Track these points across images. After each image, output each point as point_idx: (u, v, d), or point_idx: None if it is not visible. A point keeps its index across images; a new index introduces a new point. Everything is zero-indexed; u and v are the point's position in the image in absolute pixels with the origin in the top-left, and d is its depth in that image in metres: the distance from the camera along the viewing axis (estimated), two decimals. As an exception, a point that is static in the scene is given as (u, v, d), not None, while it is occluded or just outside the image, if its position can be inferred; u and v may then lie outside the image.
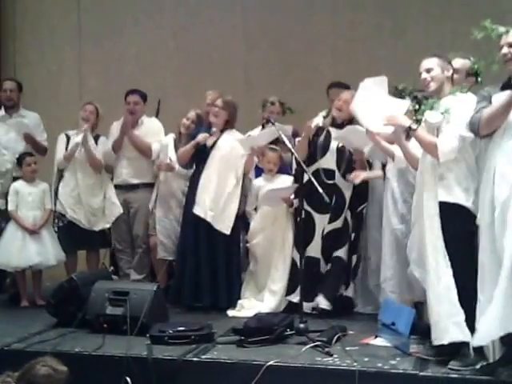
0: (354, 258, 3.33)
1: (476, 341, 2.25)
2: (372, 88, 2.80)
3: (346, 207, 3.27)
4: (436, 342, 2.41)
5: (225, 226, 3.38)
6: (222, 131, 3.51)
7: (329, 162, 3.27)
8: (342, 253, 3.27)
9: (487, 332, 2.18)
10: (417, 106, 2.48)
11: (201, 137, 3.47)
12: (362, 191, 3.31)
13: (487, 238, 2.25)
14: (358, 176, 3.19)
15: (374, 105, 2.71)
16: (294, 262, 3.28)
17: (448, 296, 2.36)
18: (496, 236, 2.21)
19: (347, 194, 3.27)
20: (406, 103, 2.73)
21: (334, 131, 3.30)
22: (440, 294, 2.38)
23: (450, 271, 2.36)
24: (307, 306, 3.13)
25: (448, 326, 2.35)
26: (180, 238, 3.54)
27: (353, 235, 3.31)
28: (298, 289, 3.06)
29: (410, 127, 2.48)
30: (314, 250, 3.27)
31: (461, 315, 2.33)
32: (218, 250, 3.41)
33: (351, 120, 3.23)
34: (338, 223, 3.26)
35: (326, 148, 3.29)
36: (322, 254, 3.27)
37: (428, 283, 2.43)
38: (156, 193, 3.75)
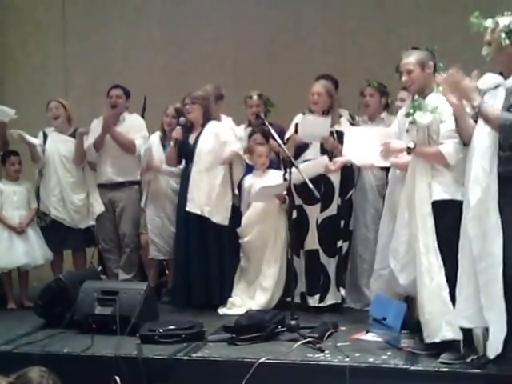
0: (345, 245, 3.30)
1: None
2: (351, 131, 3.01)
3: (336, 193, 3.26)
4: (428, 340, 2.43)
5: (222, 217, 3.38)
6: (202, 125, 3.49)
7: (314, 152, 3.26)
8: (341, 242, 3.28)
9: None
10: (411, 111, 2.47)
11: (175, 133, 3.46)
12: (348, 176, 3.30)
13: (466, 238, 2.26)
14: (336, 162, 3.17)
15: (362, 141, 2.84)
16: (289, 263, 3.24)
17: (441, 295, 2.38)
18: (471, 238, 2.21)
19: (335, 181, 3.26)
20: (389, 130, 2.83)
21: None
22: (432, 293, 2.40)
23: (442, 271, 2.38)
24: (313, 300, 3.18)
25: (441, 324, 2.37)
26: (175, 236, 3.51)
27: (342, 222, 3.28)
28: (296, 289, 3.07)
29: (408, 148, 2.48)
30: (312, 242, 3.25)
31: (451, 314, 2.35)
32: (211, 247, 3.39)
33: (329, 110, 3.29)
34: (333, 210, 3.25)
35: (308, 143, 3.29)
36: (320, 245, 3.25)
37: (420, 283, 2.44)
38: (146, 191, 3.70)
